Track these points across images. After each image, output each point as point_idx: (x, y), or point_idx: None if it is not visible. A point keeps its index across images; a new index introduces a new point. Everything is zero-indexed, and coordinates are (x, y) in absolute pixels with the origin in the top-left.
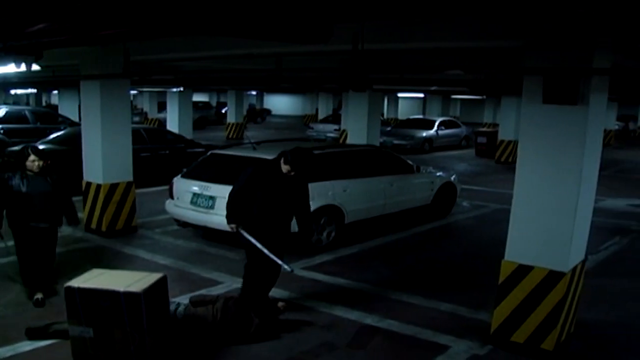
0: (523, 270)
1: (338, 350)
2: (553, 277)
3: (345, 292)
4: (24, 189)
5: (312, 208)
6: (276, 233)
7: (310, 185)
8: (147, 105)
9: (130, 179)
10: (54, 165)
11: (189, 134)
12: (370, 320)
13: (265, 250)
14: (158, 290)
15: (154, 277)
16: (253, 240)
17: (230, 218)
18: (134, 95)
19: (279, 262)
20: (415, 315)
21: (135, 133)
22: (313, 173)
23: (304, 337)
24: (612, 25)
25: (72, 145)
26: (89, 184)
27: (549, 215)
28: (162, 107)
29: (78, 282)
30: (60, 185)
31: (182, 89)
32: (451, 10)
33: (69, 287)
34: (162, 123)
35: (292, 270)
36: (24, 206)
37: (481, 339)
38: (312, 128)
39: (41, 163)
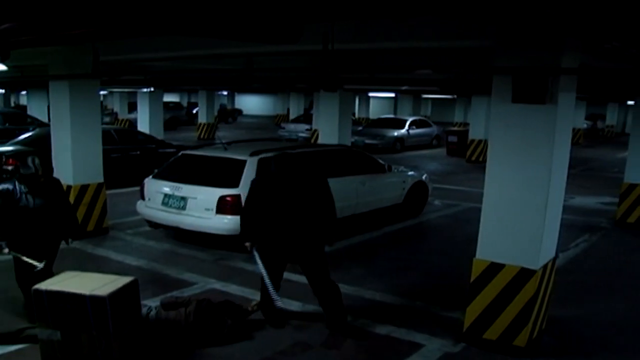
0: (494, 268)
1: (312, 350)
2: (524, 275)
3: None
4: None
5: None
6: (296, 240)
7: None
8: (117, 106)
9: (101, 180)
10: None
11: (159, 135)
12: None
13: (266, 279)
14: (127, 293)
15: (123, 280)
16: (259, 265)
17: (243, 236)
18: (104, 95)
19: (273, 295)
20: (388, 314)
21: (106, 134)
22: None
23: (277, 338)
24: (579, 26)
25: (41, 146)
26: None
27: (519, 214)
28: (132, 107)
29: (47, 284)
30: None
31: (152, 89)
32: (420, 9)
33: (37, 290)
34: (133, 123)
35: (279, 305)
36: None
37: (454, 337)
38: (284, 128)
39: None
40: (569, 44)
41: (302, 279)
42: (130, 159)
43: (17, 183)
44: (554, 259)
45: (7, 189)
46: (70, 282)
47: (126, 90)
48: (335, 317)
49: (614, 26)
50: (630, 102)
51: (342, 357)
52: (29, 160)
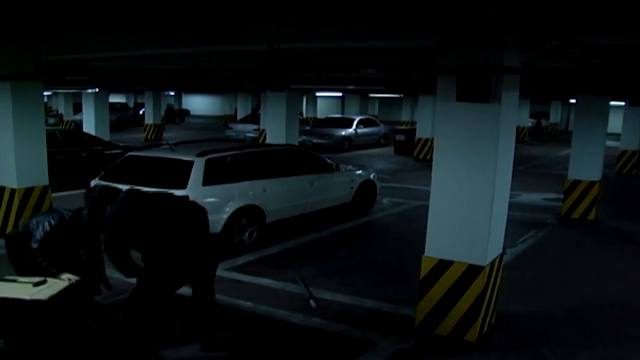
0: (443, 265)
1: (265, 351)
2: (472, 271)
3: (269, 292)
4: None
5: (233, 208)
6: (195, 263)
7: (231, 186)
8: (62, 107)
9: (46, 182)
10: None
11: (106, 136)
12: (295, 319)
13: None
14: (69, 296)
15: (64, 283)
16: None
17: (129, 273)
18: (48, 96)
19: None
20: (340, 313)
21: (50, 135)
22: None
23: (231, 339)
24: (520, 25)
25: None
26: (2, 188)
27: (466, 211)
28: (78, 108)
29: None
30: None
31: (97, 90)
32: (364, 10)
33: None
34: (79, 125)
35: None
36: None
37: (406, 334)
38: (232, 128)
39: None
40: (511, 43)
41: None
42: (76, 160)
43: None
44: (502, 255)
45: None
46: (8, 288)
47: (71, 91)
48: (212, 336)
49: (550, 26)
50: (573, 100)
51: (295, 357)
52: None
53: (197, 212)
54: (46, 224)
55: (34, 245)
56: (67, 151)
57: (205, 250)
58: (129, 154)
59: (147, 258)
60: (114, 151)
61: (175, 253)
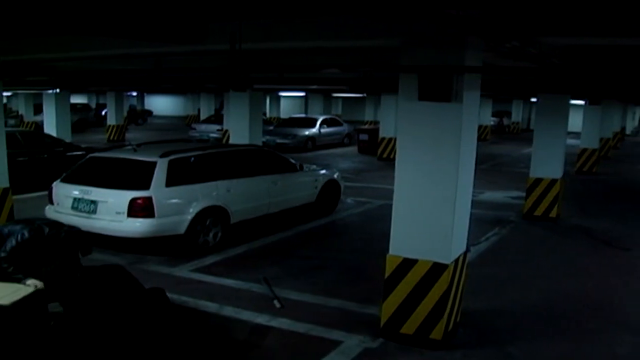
0: (408, 264)
1: (231, 351)
2: (437, 269)
3: (235, 293)
4: None
5: (197, 209)
6: None
7: (194, 186)
8: (22, 108)
9: (7, 185)
10: None
11: (67, 137)
12: (261, 319)
13: None
14: (32, 303)
15: (28, 289)
16: None
17: None
18: (8, 97)
19: None
20: (305, 312)
21: (10, 137)
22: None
23: (196, 340)
24: (480, 26)
25: None
26: None
27: (429, 209)
28: (39, 109)
29: None
30: None
31: (58, 90)
32: (326, 10)
33: None
34: (40, 126)
35: None
36: None
37: (372, 333)
38: (195, 129)
39: None
40: (472, 43)
41: None
42: (37, 162)
43: None
44: (466, 253)
45: None
46: None
47: (31, 91)
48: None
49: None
50: (534, 99)
51: (261, 357)
52: None
53: None
54: (19, 236)
55: (2, 254)
56: (28, 153)
57: None
58: (91, 155)
59: None
60: (75, 153)
61: None
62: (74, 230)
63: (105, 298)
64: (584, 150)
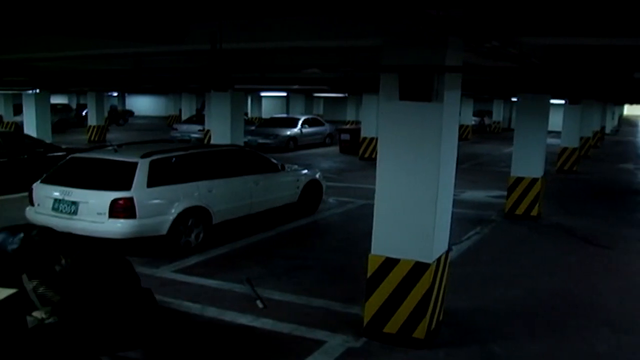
0: (390, 263)
1: (214, 352)
2: (419, 269)
3: (217, 293)
4: None
5: (179, 209)
6: None
7: (176, 187)
8: (2, 108)
9: None
10: None
11: (48, 138)
12: (244, 320)
13: None
14: (9, 307)
15: (4, 292)
16: None
17: None
18: None
19: None
20: (289, 312)
21: None
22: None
23: (180, 342)
24: (461, 26)
25: None
26: None
27: (410, 209)
28: (18, 110)
29: None
30: None
31: (38, 90)
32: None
33: None
34: (20, 127)
35: None
36: None
37: (355, 332)
38: (176, 129)
39: None
40: (452, 43)
41: None
42: (17, 163)
43: None
44: (447, 252)
45: None
46: None
47: (11, 92)
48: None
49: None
50: (514, 99)
51: (245, 358)
52: None
53: None
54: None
55: None
56: (8, 154)
57: None
58: (72, 156)
59: None
60: (56, 153)
61: None
62: (46, 231)
63: (102, 292)
64: (565, 149)
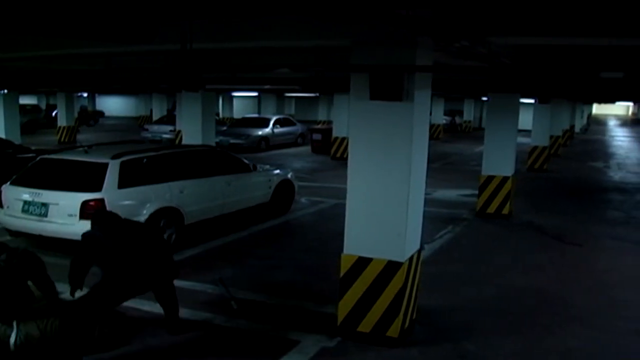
0: (363, 263)
1: (189, 353)
2: (391, 268)
3: (191, 295)
4: None
5: (151, 210)
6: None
7: (147, 188)
8: None
9: None
10: None
11: (17, 139)
12: (218, 320)
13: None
14: None
15: None
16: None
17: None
18: None
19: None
20: (263, 313)
21: None
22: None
23: (154, 343)
24: (430, 26)
25: None
26: None
27: (382, 208)
28: None
29: None
30: None
31: (6, 91)
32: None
33: None
34: None
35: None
36: None
37: (329, 332)
38: (147, 129)
39: None
40: (422, 43)
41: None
42: None
43: None
44: (420, 251)
45: None
46: None
47: None
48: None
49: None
50: (485, 98)
51: (220, 358)
52: None
53: (154, 234)
54: None
55: None
56: None
57: (157, 266)
58: (42, 157)
59: (107, 273)
60: (25, 155)
61: (133, 272)
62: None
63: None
64: (535, 148)
